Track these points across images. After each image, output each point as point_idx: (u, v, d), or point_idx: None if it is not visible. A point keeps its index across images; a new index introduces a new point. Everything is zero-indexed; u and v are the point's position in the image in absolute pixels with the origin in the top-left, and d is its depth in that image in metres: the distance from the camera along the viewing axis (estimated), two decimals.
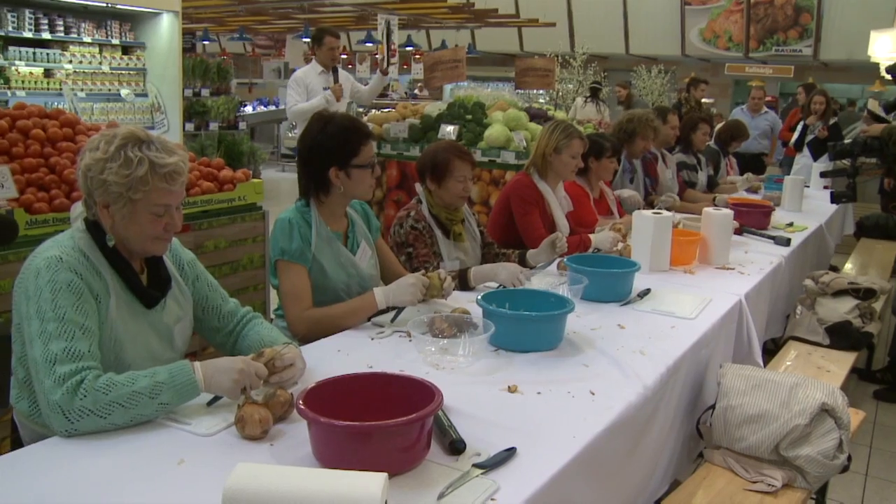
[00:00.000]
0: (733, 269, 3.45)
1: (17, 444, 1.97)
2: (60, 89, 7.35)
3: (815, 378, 2.45)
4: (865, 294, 3.52)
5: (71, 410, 1.62)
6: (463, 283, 2.89)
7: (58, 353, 1.68)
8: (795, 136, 8.10)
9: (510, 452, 1.60)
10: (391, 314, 2.50)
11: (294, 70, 6.87)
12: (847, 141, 5.73)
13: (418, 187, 3.22)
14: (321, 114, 2.63)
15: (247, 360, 1.80)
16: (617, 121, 5.04)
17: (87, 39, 7.50)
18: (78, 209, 1.94)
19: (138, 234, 1.87)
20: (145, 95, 7.95)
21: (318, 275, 2.52)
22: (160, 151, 1.84)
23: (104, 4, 7.44)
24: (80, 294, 1.77)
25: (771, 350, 3.70)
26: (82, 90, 7.47)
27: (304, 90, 6.07)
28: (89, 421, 1.63)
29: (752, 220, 4.32)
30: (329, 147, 2.51)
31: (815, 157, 7.46)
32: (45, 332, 1.70)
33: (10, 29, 6.92)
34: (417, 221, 3.08)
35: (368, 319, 2.49)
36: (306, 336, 2.40)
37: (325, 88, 6.04)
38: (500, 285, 2.80)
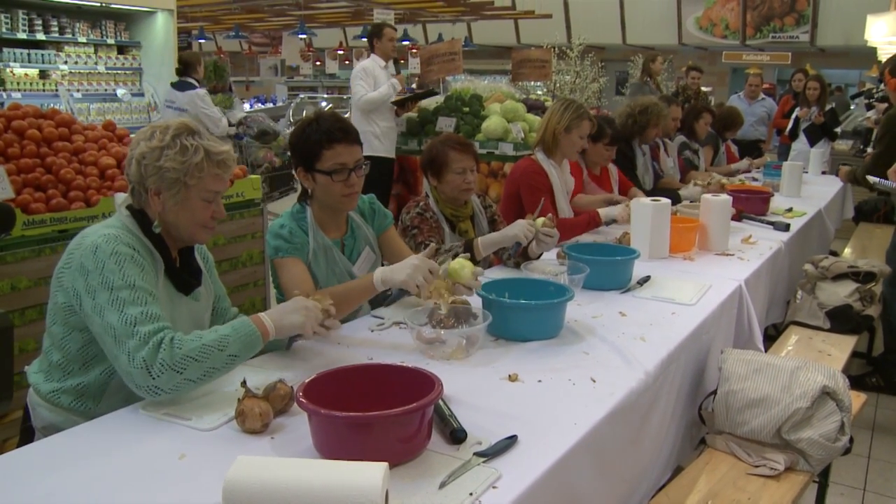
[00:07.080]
0: (733, 255, 3.45)
1: (25, 435, 2.00)
2: (56, 90, 7.34)
3: (815, 362, 2.45)
4: (865, 277, 3.52)
5: (153, 365, 1.69)
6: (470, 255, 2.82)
7: (136, 316, 1.74)
8: (790, 125, 8.09)
9: (511, 440, 1.59)
10: (389, 298, 2.31)
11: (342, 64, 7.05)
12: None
13: (425, 184, 3.20)
14: (316, 111, 2.58)
15: (307, 299, 1.96)
16: (627, 110, 4.91)
17: (82, 39, 7.50)
18: (121, 198, 1.99)
19: (189, 221, 1.95)
20: (141, 95, 7.95)
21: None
22: (212, 141, 1.95)
23: (98, 4, 7.44)
24: (141, 266, 1.85)
25: (772, 336, 3.70)
26: (78, 90, 7.47)
27: (373, 81, 6.08)
28: (168, 377, 1.70)
29: (751, 206, 4.31)
30: (295, 146, 2.43)
31: (812, 144, 7.46)
32: (118, 300, 1.76)
33: (3, 30, 6.90)
34: (425, 210, 3.06)
35: (373, 308, 2.47)
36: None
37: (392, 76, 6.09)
38: (511, 253, 2.80)
